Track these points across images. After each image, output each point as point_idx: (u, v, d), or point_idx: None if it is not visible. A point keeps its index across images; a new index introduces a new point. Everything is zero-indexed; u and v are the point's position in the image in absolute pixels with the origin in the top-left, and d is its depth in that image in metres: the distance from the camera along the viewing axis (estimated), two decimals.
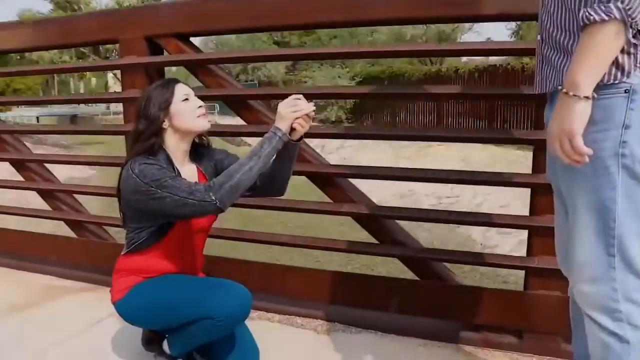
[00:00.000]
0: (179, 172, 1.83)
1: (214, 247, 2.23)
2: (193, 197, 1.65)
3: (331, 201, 2.41)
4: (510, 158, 12.19)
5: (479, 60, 20.88)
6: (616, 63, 1.19)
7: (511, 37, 41.05)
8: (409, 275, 2.45)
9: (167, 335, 2.01)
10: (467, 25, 29.95)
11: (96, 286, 3.07)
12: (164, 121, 1.82)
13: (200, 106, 1.86)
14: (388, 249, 2.32)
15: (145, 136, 1.80)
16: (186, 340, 1.90)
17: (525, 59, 15.41)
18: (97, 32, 2.83)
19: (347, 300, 2.45)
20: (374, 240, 2.41)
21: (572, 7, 1.24)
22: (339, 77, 24.03)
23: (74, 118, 44.94)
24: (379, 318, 2.39)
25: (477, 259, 2.30)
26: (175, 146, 1.86)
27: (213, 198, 1.63)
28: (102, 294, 2.92)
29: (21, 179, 3.35)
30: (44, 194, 3.26)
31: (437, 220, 2.41)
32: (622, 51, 1.18)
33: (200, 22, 2.55)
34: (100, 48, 41.91)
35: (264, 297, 2.59)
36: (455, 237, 9.32)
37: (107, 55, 43.48)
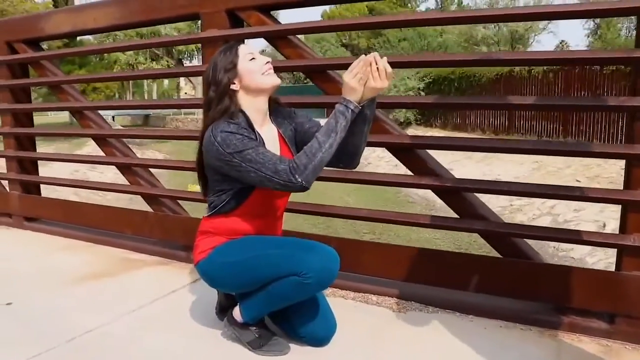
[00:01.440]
0: (260, 137, 1.80)
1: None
2: (278, 177, 1.64)
3: (412, 174, 2.34)
4: (585, 162, 11.64)
5: None
6: None
7: (588, 37, 39.31)
8: (490, 252, 2.33)
9: (239, 301, 1.99)
10: (541, 24, 28.97)
11: (171, 261, 3.12)
12: (233, 82, 1.81)
13: (267, 62, 1.84)
14: (469, 223, 2.22)
15: (218, 101, 1.80)
16: (264, 302, 1.85)
17: None
18: (179, 7, 2.86)
19: (424, 278, 2.36)
20: (452, 214, 2.31)
21: None
22: (407, 77, 23.68)
23: (146, 118, 46.73)
24: (458, 297, 2.29)
25: (565, 235, 2.16)
26: (252, 107, 1.84)
27: (300, 180, 1.62)
28: (177, 268, 2.99)
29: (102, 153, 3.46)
30: (123, 168, 3.33)
31: (529, 193, 2.27)
32: None
33: None
34: (173, 50, 43.33)
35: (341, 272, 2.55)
36: None
37: (180, 57, 44.87)
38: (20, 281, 2.84)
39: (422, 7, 57.55)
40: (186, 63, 46.53)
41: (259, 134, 1.81)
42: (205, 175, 1.92)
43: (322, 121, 1.82)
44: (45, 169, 7.14)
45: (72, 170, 12.95)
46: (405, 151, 2.34)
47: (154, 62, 43.98)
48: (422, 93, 23.21)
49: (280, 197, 1.94)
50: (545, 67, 16.44)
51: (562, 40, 55.03)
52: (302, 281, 1.70)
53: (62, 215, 3.73)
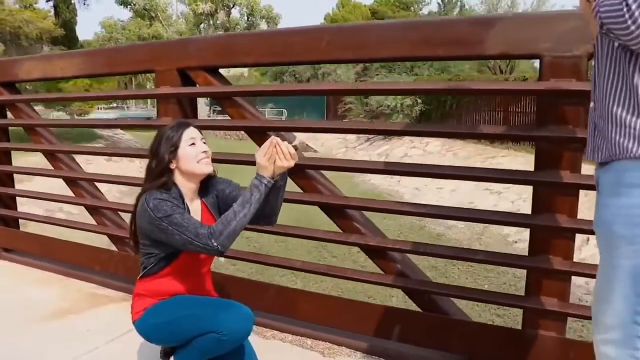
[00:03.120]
0: (188, 208, 2.00)
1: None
2: (198, 240, 1.85)
3: (340, 231, 2.52)
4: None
5: None
6: None
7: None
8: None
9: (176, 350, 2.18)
10: None
11: None
12: (171, 162, 2.00)
13: (204, 151, 2.03)
14: (393, 280, 2.40)
15: (156, 174, 2.00)
16: (192, 355, 2.03)
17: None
18: (137, 63, 3.06)
19: (353, 327, 2.54)
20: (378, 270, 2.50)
21: (627, 72, 1.24)
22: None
23: (147, 120, 47.02)
24: (384, 345, 2.47)
25: (475, 295, 2.35)
26: (184, 185, 2.04)
27: (215, 244, 1.84)
28: None
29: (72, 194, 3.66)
30: (91, 209, 3.53)
31: (442, 255, 2.47)
32: None
33: (225, 56, 2.72)
34: None
35: (278, 318, 2.74)
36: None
37: None
38: None
39: (425, 11, 57.62)
40: None
41: (188, 207, 2.01)
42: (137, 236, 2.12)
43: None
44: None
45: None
46: (335, 210, 2.53)
47: None
48: (419, 100, 23.38)
49: (204, 257, 2.14)
50: None
51: None
52: (219, 338, 1.91)
53: (37, 250, 3.93)
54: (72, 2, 32.50)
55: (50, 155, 3.68)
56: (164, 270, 2.06)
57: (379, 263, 2.46)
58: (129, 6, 41.51)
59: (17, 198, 4.17)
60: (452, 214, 2.46)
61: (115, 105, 49.87)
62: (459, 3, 52.54)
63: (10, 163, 4.11)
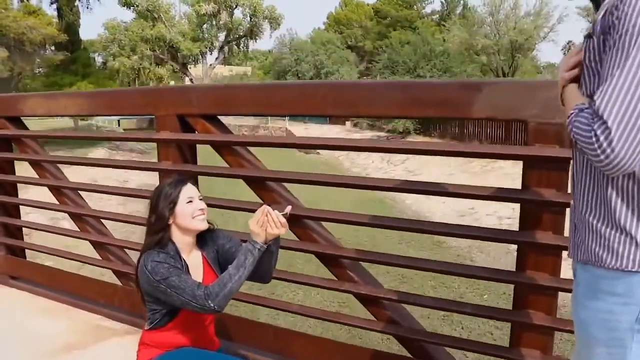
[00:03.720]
0: (186, 264, 2.11)
1: None
2: (195, 301, 1.96)
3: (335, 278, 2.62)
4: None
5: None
6: None
7: None
8: None
9: None
10: (542, 34, 29.02)
11: (138, 330, 3.41)
12: (169, 218, 2.11)
13: (200, 208, 2.14)
14: (383, 326, 2.49)
15: (155, 230, 2.11)
16: None
17: None
18: (138, 106, 3.16)
19: None
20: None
21: (601, 182, 1.27)
22: None
23: (150, 122, 47.14)
24: None
25: (466, 345, 2.43)
26: (181, 240, 2.15)
27: (212, 305, 1.95)
28: None
29: (77, 228, 3.76)
30: (96, 245, 3.63)
31: (431, 306, 2.56)
32: None
33: (223, 106, 2.81)
34: (178, 55, 43.79)
35: (275, 356, 2.83)
36: None
37: (184, 62, 45.31)
38: None
39: (428, 10, 57.59)
40: (190, 66, 47.03)
41: (185, 261, 2.12)
42: None
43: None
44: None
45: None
46: (330, 259, 2.62)
47: (159, 67, 44.53)
48: None
49: None
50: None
51: (570, 41, 54.91)
52: None
53: (43, 280, 4.04)
54: (76, 4, 32.64)
55: (55, 190, 3.78)
56: (169, 324, 2.17)
57: (371, 310, 2.55)
58: (132, 7, 41.65)
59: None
60: (438, 230, 2.56)
61: None
62: (461, 2, 52.45)
63: (17, 194, 4.22)
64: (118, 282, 3.65)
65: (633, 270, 1.22)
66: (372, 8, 57.14)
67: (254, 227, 2.01)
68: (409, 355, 2.51)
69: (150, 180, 14.39)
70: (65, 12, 29.70)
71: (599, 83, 1.18)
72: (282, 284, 7.52)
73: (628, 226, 1.23)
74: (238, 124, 37.11)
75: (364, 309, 2.58)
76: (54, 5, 31.26)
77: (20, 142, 3.95)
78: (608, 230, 1.26)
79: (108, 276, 4.07)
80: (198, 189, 2.23)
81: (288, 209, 2.04)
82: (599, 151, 1.12)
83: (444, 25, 39.82)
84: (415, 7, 55.85)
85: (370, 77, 38.93)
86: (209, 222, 2.25)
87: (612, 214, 1.24)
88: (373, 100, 2.36)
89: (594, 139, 1.12)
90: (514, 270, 2.24)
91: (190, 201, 2.13)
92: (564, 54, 54.69)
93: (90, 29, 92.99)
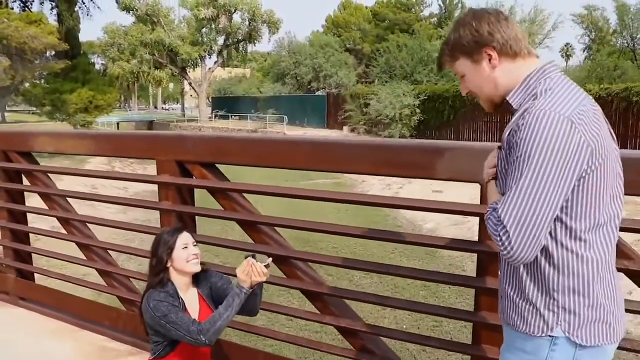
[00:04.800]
0: (183, 302, 2.46)
1: None
2: (189, 336, 2.33)
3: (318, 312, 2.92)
4: None
5: None
6: (545, 321, 1.53)
7: (583, 51, 40.70)
8: None
9: None
10: (537, 40, 29.38)
11: (140, 351, 3.71)
12: (167, 262, 2.47)
13: (194, 253, 2.49)
14: (361, 356, 2.80)
15: (156, 271, 2.48)
16: None
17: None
18: (140, 151, 3.47)
19: None
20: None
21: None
22: (403, 94, 24.19)
23: (150, 123, 47.46)
24: None
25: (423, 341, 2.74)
26: (179, 280, 2.51)
27: (203, 339, 2.32)
28: (145, 358, 3.60)
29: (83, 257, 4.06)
30: (102, 273, 3.94)
31: (404, 339, 2.86)
32: (549, 309, 1.52)
33: (217, 155, 3.12)
34: (177, 59, 44.07)
35: None
36: None
37: (183, 65, 45.59)
38: None
39: (426, 12, 57.83)
40: (189, 70, 47.35)
41: (182, 299, 2.47)
42: None
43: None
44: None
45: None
46: (314, 295, 2.93)
47: (158, 70, 44.86)
48: (418, 110, 23.75)
49: None
50: None
51: (567, 43, 55.37)
52: None
53: (50, 302, 4.34)
54: (76, 10, 32.90)
55: (63, 220, 4.08)
56: (170, 354, 2.52)
57: (350, 341, 2.85)
58: (131, 11, 41.93)
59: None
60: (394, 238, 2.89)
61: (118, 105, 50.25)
62: (459, 5, 52.76)
63: (26, 222, 4.53)
64: (122, 307, 3.95)
65: (538, 335, 1.54)
66: (371, 11, 57.47)
67: (240, 275, 2.36)
68: None
69: (148, 187, 14.71)
70: (66, 18, 29.91)
71: (507, 187, 1.50)
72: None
73: (534, 299, 1.56)
74: (237, 128, 37.70)
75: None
76: (55, 11, 31.51)
77: (31, 175, 4.25)
78: (520, 301, 1.59)
79: (105, 297, 4.38)
80: (195, 228, 2.58)
81: (269, 260, 2.40)
82: (501, 247, 1.45)
83: (442, 29, 40.13)
84: (413, 10, 56.18)
85: (369, 80, 39.11)
86: (202, 264, 2.58)
87: (522, 289, 1.58)
88: (350, 158, 2.67)
89: (498, 239, 1.46)
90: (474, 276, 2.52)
91: (186, 247, 2.48)
92: (561, 56, 54.89)
93: (89, 34, 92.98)
